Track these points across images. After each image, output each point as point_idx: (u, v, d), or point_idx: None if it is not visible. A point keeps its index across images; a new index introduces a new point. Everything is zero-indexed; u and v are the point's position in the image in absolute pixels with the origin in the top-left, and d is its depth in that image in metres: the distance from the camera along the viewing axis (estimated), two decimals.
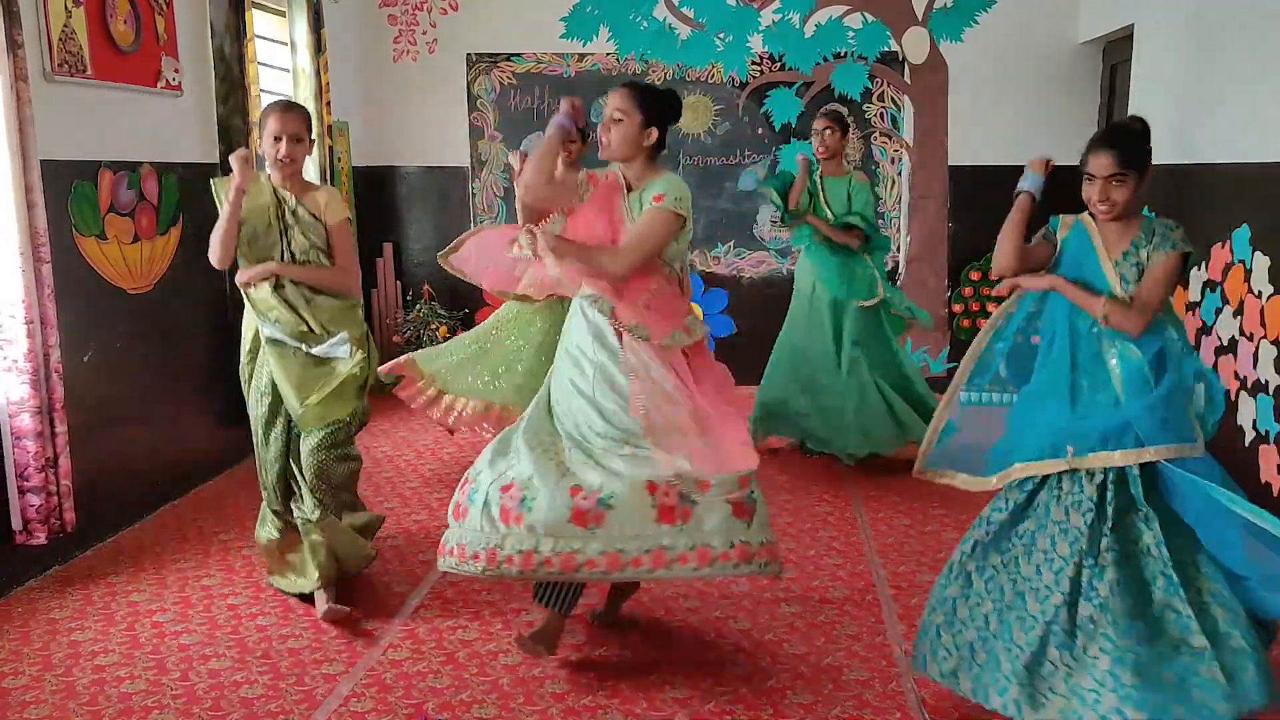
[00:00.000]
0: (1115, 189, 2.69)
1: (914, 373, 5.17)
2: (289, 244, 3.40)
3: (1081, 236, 2.81)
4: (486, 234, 4.72)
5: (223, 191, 3.34)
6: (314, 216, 3.42)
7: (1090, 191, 2.74)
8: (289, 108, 3.40)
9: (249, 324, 3.49)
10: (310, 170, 5.86)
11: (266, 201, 3.39)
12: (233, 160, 3.27)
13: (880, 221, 6.57)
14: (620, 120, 3.01)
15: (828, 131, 4.98)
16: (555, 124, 3.10)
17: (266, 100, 5.51)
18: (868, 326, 5.04)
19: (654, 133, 3.05)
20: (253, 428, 3.54)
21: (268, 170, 3.45)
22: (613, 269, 2.97)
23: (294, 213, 3.40)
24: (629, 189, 3.09)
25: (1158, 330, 2.72)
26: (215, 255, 3.36)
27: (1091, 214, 2.79)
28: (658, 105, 3.06)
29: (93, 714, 2.87)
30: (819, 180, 5.08)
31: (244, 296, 3.42)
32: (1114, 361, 2.73)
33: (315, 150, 5.83)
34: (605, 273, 2.97)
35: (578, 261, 2.97)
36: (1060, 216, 2.91)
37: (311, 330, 3.39)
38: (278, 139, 3.32)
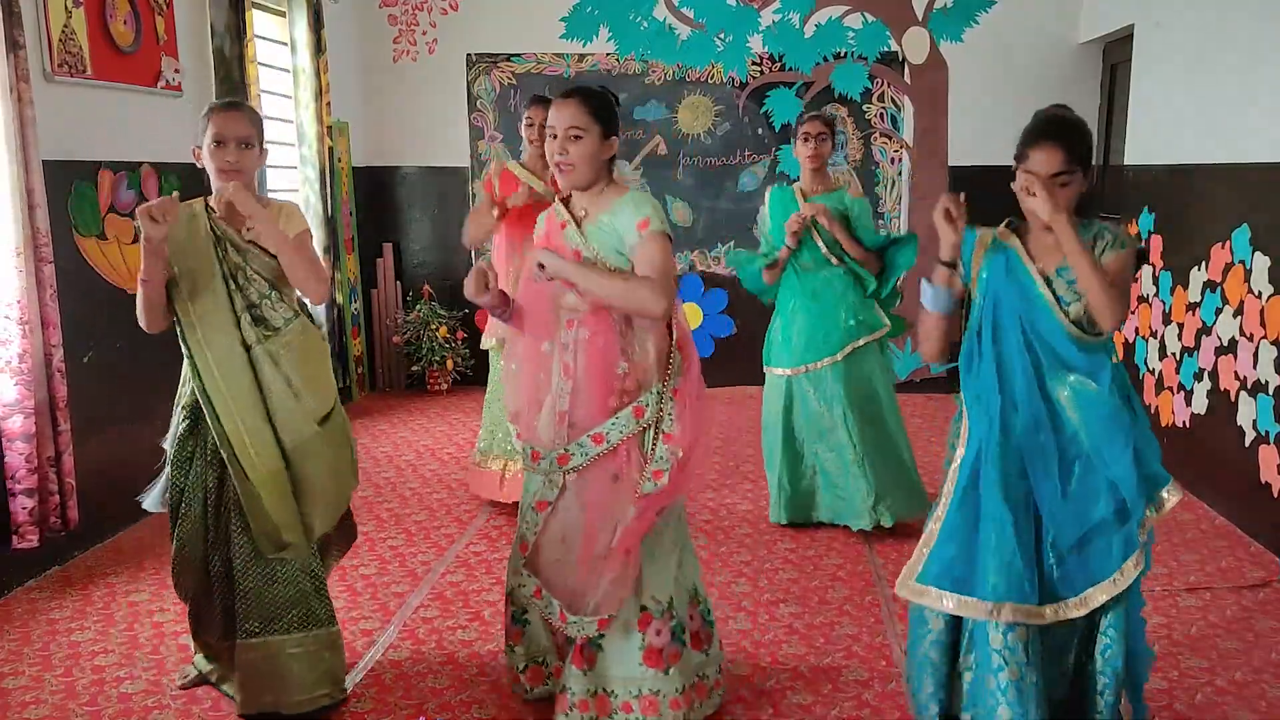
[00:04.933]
0: (1061, 190, 2.33)
1: (901, 435, 4.35)
2: (235, 279, 2.74)
3: (1009, 257, 2.44)
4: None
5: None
6: (259, 246, 2.74)
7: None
8: (232, 106, 2.75)
9: (185, 386, 2.88)
10: (310, 171, 5.85)
11: (204, 233, 2.73)
12: (139, 216, 2.55)
13: (879, 222, 6.58)
14: (580, 137, 2.45)
15: (821, 138, 4.14)
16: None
17: (267, 100, 5.52)
18: (850, 375, 4.21)
19: (615, 142, 2.53)
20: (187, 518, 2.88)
21: (213, 195, 2.77)
22: (656, 308, 2.43)
23: (234, 246, 2.73)
24: (575, 221, 2.55)
25: (1105, 354, 2.42)
26: (143, 322, 2.74)
27: (1010, 226, 2.48)
28: (610, 110, 2.52)
29: (93, 714, 2.87)
30: (803, 201, 4.19)
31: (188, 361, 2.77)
32: (1065, 393, 2.39)
33: (313, 151, 5.82)
34: (647, 311, 2.44)
35: (608, 290, 2.44)
36: (977, 232, 2.51)
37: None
38: (220, 143, 2.67)
